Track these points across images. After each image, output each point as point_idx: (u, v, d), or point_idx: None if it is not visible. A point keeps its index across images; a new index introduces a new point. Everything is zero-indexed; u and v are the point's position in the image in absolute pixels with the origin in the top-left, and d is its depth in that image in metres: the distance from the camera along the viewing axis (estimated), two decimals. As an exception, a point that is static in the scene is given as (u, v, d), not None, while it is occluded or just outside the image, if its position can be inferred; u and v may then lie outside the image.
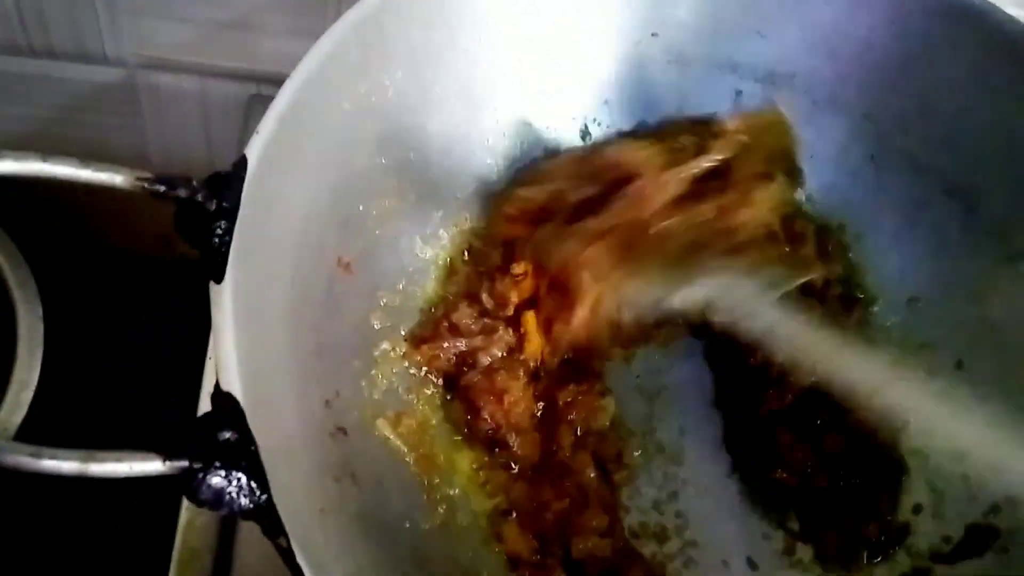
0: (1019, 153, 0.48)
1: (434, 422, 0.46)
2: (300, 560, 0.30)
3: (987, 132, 0.49)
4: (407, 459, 0.44)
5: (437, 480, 0.44)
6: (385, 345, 0.46)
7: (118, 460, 0.28)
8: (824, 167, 0.53)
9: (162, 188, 0.33)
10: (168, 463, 0.28)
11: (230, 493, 0.29)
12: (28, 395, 0.63)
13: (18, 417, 0.62)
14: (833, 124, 0.52)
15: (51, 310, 0.64)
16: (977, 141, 0.49)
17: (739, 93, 0.53)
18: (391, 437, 0.43)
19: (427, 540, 0.41)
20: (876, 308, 0.52)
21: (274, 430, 0.33)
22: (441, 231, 0.50)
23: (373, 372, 0.45)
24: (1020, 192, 0.48)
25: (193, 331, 0.48)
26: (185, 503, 0.49)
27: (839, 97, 0.51)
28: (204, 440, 0.29)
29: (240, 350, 0.32)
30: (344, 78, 0.41)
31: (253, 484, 0.30)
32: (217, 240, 0.34)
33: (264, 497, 0.30)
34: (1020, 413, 0.41)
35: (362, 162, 0.44)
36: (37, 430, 0.60)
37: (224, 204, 0.34)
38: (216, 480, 0.29)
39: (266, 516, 0.30)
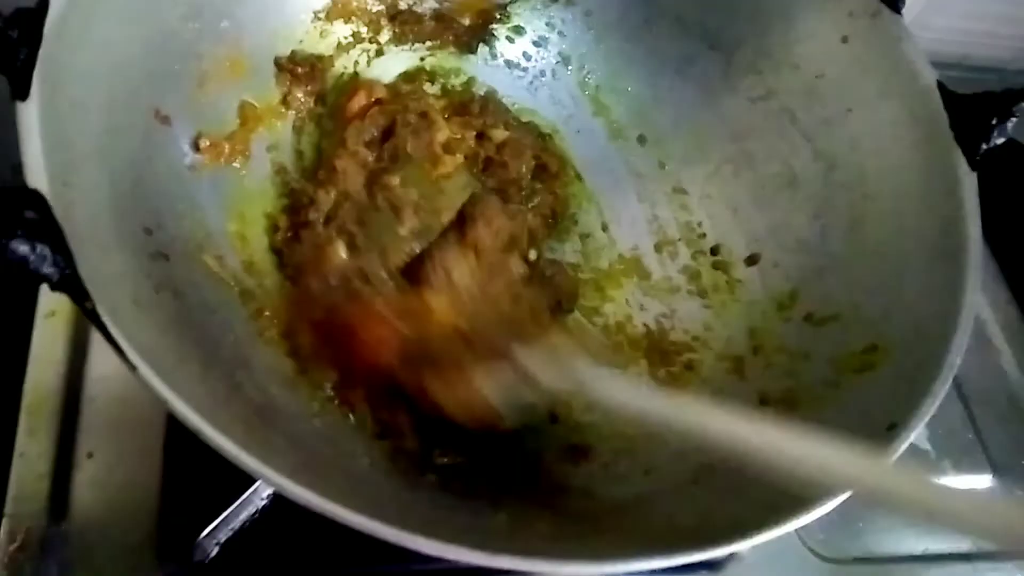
0: (763, 4, 0.55)
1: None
2: (106, 319, 0.34)
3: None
4: (233, 291, 0.48)
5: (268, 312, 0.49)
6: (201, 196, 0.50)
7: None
8: (607, 32, 0.59)
9: (-36, 17, 0.37)
10: (-29, 227, 0.32)
11: (35, 261, 0.34)
12: None
13: None
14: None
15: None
16: (731, -1, 0.56)
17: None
18: (217, 270, 0.48)
19: (251, 349, 0.46)
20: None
21: (84, 228, 0.38)
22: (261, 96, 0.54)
23: (198, 214, 0.49)
24: (765, 37, 0.56)
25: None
26: (32, 359, 0.52)
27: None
28: (6, 212, 0.34)
29: (48, 158, 0.37)
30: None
31: (58, 257, 0.34)
32: (20, 63, 0.38)
33: (68, 270, 0.34)
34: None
35: (173, 23, 0.48)
36: None
37: (26, 34, 0.38)
38: (21, 247, 0.33)
39: (71, 285, 0.34)
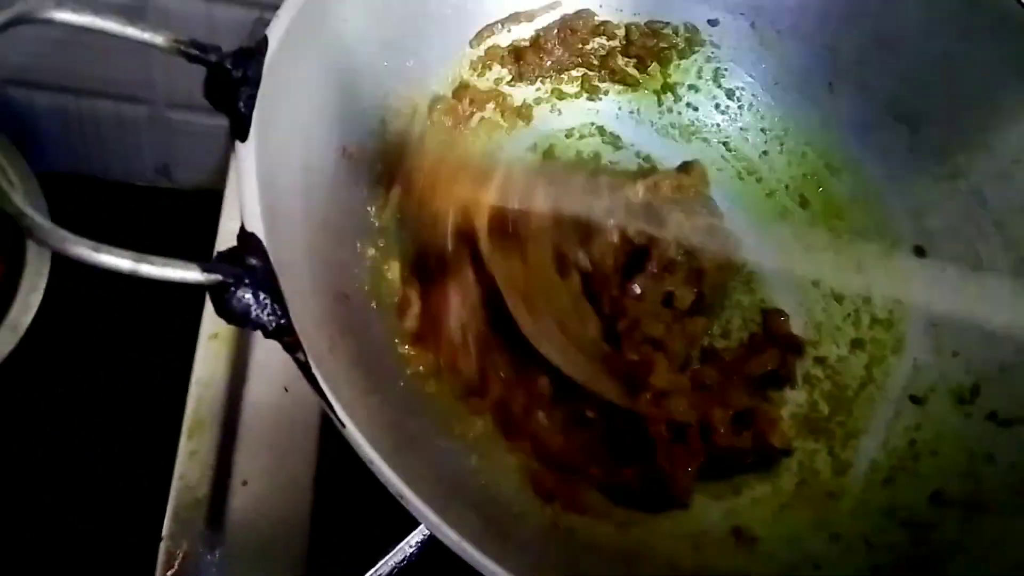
0: (959, 80, 0.53)
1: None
2: (315, 372, 0.34)
3: (934, 61, 0.54)
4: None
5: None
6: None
7: (164, 265, 0.32)
8: (787, 94, 0.58)
9: (195, 51, 0.37)
10: (206, 274, 0.32)
11: (256, 310, 0.34)
12: (37, 297, 0.67)
13: (28, 318, 0.66)
14: (795, 52, 0.57)
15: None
16: (924, 70, 0.54)
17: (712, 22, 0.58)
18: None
19: (418, 398, 0.46)
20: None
21: (289, 274, 0.38)
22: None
23: (371, 251, 0.49)
24: (959, 115, 0.53)
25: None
26: (194, 380, 0.53)
27: (800, 27, 0.56)
28: (235, 261, 0.34)
29: (261, 200, 0.37)
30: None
31: (276, 306, 0.34)
32: (242, 104, 0.38)
33: (284, 319, 0.34)
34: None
35: (366, 63, 0.48)
36: (47, 330, 0.64)
37: (248, 73, 0.38)
38: (246, 296, 0.33)
39: (286, 334, 0.34)
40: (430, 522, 0.33)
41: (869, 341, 0.54)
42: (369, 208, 0.50)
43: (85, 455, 0.64)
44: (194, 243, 0.45)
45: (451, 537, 0.33)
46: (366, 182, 0.50)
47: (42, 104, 0.76)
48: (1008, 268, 0.51)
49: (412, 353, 0.48)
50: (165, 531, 0.47)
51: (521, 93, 0.58)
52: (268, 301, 0.34)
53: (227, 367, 0.53)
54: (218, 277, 0.33)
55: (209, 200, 0.61)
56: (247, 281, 0.33)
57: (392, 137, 0.51)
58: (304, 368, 0.34)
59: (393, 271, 0.50)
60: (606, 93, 0.60)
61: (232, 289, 0.33)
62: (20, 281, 0.67)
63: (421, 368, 0.47)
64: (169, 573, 0.46)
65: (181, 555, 0.46)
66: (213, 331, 0.54)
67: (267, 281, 0.34)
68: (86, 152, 0.81)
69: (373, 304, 0.47)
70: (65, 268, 0.65)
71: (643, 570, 0.43)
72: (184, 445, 0.50)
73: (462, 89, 0.55)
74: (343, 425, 0.34)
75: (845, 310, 0.55)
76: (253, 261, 0.34)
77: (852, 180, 0.57)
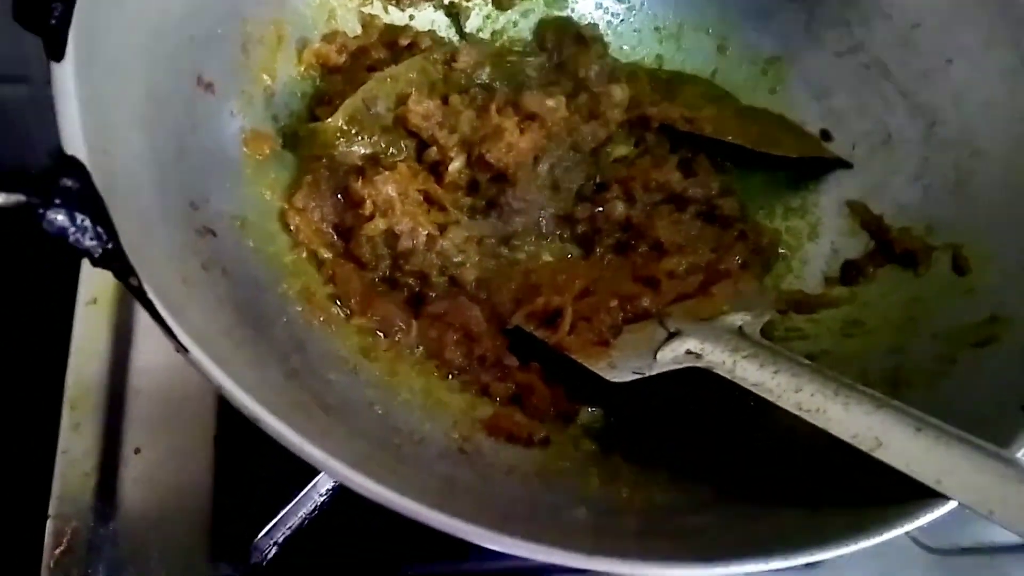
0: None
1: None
2: (152, 296, 0.31)
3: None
4: (284, 266, 0.45)
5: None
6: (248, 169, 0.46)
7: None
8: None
9: (-10, -33, 0.34)
10: (7, 195, 0.29)
11: (75, 232, 0.30)
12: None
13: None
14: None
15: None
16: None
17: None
18: (265, 248, 0.44)
19: (305, 331, 0.43)
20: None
21: (128, 202, 0.34)
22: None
23: (244, 189, 0.45)
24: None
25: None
26: (73, 350, 0.49)
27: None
28: (41, 180, 0.30)
29: (87, 123, 0.33)
30: None
31: (99, 229, 0.31)
32: (55, 21, 0.34)
33: (111, 244, 0.31)
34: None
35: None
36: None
37: (59, -12, 0.35)
38: (59, 217, 0.30)
39: (114, 259, 0.31)
40: (288, 441, 0.30)
41: (785, 231, 0.51)
42: (240, 144, 0.46)
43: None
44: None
45: (315, 456, 0.30)
46: (232, 117, 0.46)
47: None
48: (918, 137, 0.49)
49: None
50: (51, 509, 0.44)
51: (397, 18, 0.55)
52: (88, 224, 0.30)
53: (109, 333, 0.49)
54: (20, 197, 0.30)
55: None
56: (58, 202, 0.30)
57: (255, 66, 0.48)
58: (138, 292, 0.31)
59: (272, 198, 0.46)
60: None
61: (40, 211, 0.30)
62: None
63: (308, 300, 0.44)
64: (58, 551, 0.42)
65: (70, 532, 0.43)
66: (91, 297, 0.50)
67: (88, 203, 0.31)
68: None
69: (249, 242, 0.44)
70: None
71: (561, 485, 0.41)
72: (67, 417, 0.46)
73: (332, 35, 0.52)
74: (185, 349, 0.31)
75: (757, 205, 0.52)
76: (68, 183, 0.31)
77: (752, 70, 0.54)
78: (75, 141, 0.32)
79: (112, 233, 0.31)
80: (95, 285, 0.50)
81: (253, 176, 0.46)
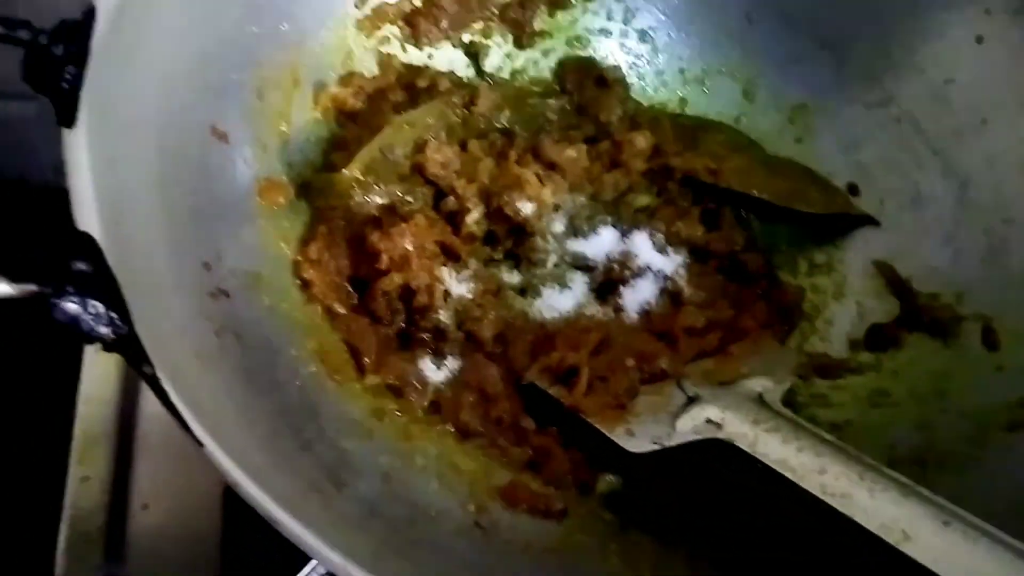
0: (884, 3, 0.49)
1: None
2: (167, 386, 0.30)
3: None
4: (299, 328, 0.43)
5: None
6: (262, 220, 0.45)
7: (-37, 280, 0.27)
8: (704, 26, 0.53)
9: (1, 30, 0.32)
10: (16, 285, 0.28)
11: (87, 320, 0.29)
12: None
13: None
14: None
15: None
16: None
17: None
18: (279, 305, 0.43)
19: (320, 398, 0.41)
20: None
21: (141, 275, 0.33)
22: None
23: (258, 242, 0.44)
24: (885, 37, 0.49)
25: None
26: (81, 399, 0.48)
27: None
28: (53, 267, 0.29)
29: (99, 193, 0.32)
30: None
31: (113, 315, 0.30)
32: (66, 85, 0.33)
33: (126, 329, 0.30)
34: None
35: (230, 29, 0.43)
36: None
37: (72, 49, 0.33)
38: (70, 306, 0.29)
39: (129, 346, 0.30)
40: (307, 545, 0.29)
41: (809, 288, 0.50)
42: (254, 194, 0.45)
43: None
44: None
45: (333, 561, 0.29)
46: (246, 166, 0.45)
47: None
48: (949, 198, 0.48)
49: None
50: (58, 569, 0.43)
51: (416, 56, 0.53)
52: (101, 310, 0.29)
53: (117, 380, 0.48)
54: (32, 288, 0.28)
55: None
56: (70, 289, 0.29)
57: (271, 112, 0.46)
58: (152, 382, 0.30)
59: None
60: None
61: (53, 301, 0.28)
62: None
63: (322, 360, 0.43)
64: (63, 614, 0.41)
65: (75, 592, 0.42)
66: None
67: (101, 287, 0.30)
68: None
69: (264, 300, 0.43)
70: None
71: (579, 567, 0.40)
72: (74, 469, 0.45)
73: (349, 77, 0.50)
74: (200, 444, 0.30)
75: (781, 259, 0.51)
76: (81, 266, 0.30)
77: (778, 117, 0.53)
78: (88, 217, 0.31)
79: (125, 316, 0.30)
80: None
81: (267, 227, 0.45)
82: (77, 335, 0.29)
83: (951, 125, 0.48)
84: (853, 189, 0.51)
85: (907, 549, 0.34)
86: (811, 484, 0.37)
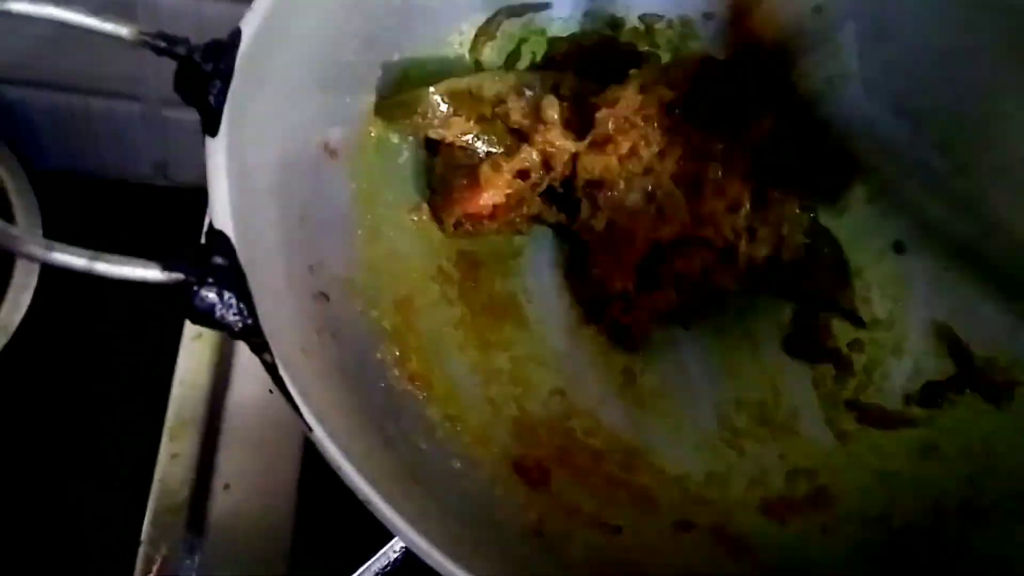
0: (962, 72, 0.51)
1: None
2: (282, 373, 0.33)
3: (936, 53, 0.52)
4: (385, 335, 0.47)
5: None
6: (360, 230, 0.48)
7: (121, 264, 0.31)
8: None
9: (163, 44, 0.36)
10: (166, 272, 0.32)
11: (221, 309, 0.33)
12: (27, 297, 0.66)
13: (17, 316, 0.65)
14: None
15: (50, 223, 0.67)
16: (926, 62, 0.52)
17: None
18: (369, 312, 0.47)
19: (401, 400, 0.45)
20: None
21: (261, 272, 0.37)
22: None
23: (355, 251, 0.48)
24: (962, 109, 0.52)
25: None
26: (177, 381, 0.52)
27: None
28: (199, 259, 0.33)
29: (232, 197, 0.36)
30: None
31: (242, 306, 0.33)
32: (213, 99, 0.37)
33: (251, 320, 0.33)
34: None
35: (348, 56, 0.47)
36: (37, 330, 0.63)
37: (220, 67, 0.37)
38: (210, 295, 0.32)
39: (253, 335, 0.33)
40: (397, 528, 0.32)
41: (868, 342, 0.52)
42: (355, 206, 0.49)
43: (70, 456, 0.63)
44: (192, 241, 0.44)
45: (420, 545, 0.32)
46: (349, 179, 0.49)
47: (33, 102, 0.75)
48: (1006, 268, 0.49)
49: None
50: (144, 535, 0.46)
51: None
52: (233, 300, 0.33)
53: (210, 369, 0.52)
54: (179, 276, 0.32)
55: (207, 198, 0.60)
56: (211, 280, 0.32)
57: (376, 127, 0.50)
58: (271, 370, 0.33)
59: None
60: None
61: (195, 288, 0.32)
62: (10, 280, 0.66)
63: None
64: (147, 578, 0.45)
65: (160, 560, 0.45)
66: (197, 332, 0.53)
67: (234, 280, 0.33)
68: (81, 150, 0.81)
69: (357, 306, 0.46)
70: (55, 268, 0.65)
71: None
72: (165, 447, 0.49)
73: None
74: (310, 429, 0.33)
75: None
76: (219, 260, 0.33)
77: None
78: (224, 217, 0.35)
79: (252, 309, 0.34)
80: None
81: (365, 237, 0.48)
82: (211, 322, 0.33)
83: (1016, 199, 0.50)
84: (899, 247, 0.53)
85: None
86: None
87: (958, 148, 0.52)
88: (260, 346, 0.33)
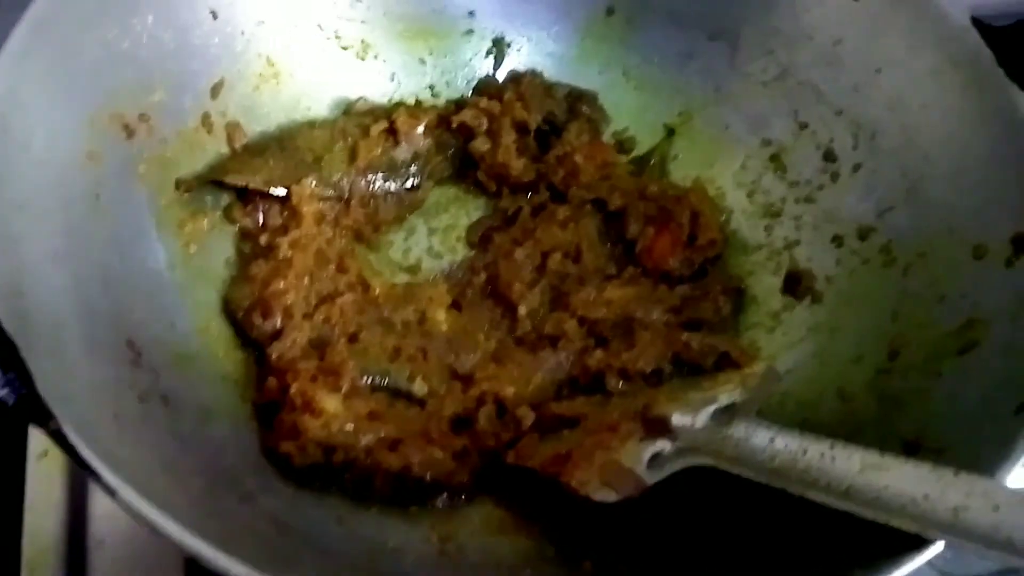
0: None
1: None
2: (74, 438, 0.29)
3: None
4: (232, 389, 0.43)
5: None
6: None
7: None
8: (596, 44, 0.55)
9: None
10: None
11: (-15, 383, 0.28)
12: None
13: None
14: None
15: None
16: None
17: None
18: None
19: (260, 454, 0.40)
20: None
21: (45, 341, 0.33)
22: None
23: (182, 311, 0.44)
24: (770, 15, 0.51)
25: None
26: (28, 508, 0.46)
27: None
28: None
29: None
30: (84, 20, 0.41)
31: (11, 376, 0.29)
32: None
33: (25, 390, 0.29)
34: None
35: (128, 104, 0.44)
36: None
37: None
38: (-35, 372, 0.28)
39: (30, 408, 0.29)
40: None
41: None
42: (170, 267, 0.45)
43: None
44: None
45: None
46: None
47: None
48: (862, 151, 0.48)
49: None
50: None
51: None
52: (-1, 373, 0.29)
53: (63, 483, 0.46)
54: (-81, 355, 0.28)
55: None
56: (-37, 356, 0.28)
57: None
58: (57, 437, 0.29)
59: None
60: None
61: (-52, 366, 0.28)
62: None
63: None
64: None
65: None
66: (42, 449, 0.47)
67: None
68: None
69: (193, 368, 0.42)
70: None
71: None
72: (26, 584, 0.43)
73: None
74: (112, 492, 0.29)
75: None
76: (-22, 336, 0.29)
77: (681, 107, 0.54)
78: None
79: (26, 379, 0.30)
80: (44, 438, 0.47)
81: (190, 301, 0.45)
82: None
83: (848, 83, 0.48)
84: (777, 160, 0.51)
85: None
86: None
87: (777, 51, 0.51)
88: (40, 415, 0.29)
